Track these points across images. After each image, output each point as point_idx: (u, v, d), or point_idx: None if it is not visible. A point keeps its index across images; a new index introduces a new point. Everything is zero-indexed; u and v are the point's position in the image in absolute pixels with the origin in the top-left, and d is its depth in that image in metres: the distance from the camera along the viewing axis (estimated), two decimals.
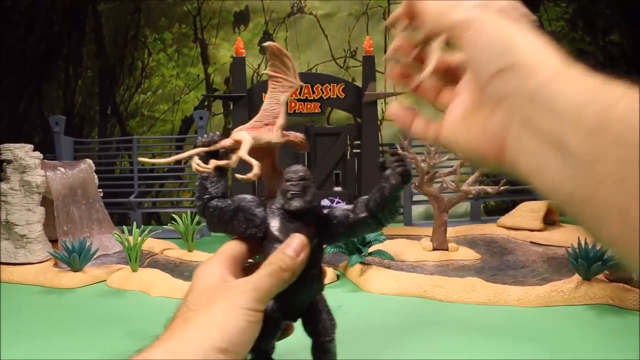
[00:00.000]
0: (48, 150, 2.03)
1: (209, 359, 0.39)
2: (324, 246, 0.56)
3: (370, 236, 1.50)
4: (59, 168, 1.74)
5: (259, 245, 0.53)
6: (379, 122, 2.33)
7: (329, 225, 0.54)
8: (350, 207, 0.56)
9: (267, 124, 0.62)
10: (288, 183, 0.54)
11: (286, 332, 0.55)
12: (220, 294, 0.43)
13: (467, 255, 1.64)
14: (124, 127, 2.54)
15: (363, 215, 0.54)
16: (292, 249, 0.48)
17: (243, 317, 0.42)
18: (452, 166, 1.74)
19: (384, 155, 0.58)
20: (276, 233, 0.52)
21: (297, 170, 0.55)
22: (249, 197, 0.58)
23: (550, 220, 1.98)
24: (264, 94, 2.18)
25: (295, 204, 0.52)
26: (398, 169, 0.52)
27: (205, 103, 2.53)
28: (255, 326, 0.43)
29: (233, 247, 0.52)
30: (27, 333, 1.09)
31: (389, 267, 1.48)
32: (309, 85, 2.17)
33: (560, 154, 0.27)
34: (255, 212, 0.55)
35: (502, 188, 1.61)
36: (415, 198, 2.22)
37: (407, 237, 1.87)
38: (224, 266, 0.48)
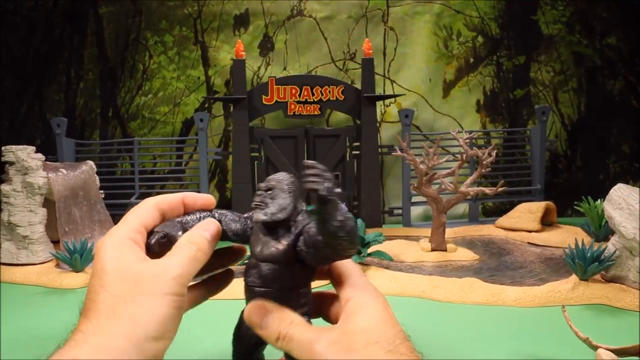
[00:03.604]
0: (50, 152, 2.04)
1: (143, 349, 0.38)
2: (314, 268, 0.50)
3: (369, 237, 1.52)
4: (60, 169, 1.75)
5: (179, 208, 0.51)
6: (378, 124, 2.34)
7: (300, 243, 0.47)
8: None
9: None
10: (256, 192, 0.51)
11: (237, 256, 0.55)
12: (146, 281, 0.41)
13: (465, 256, 1.65)
14: (125, 129, 2.55)
15: (318, 237, 0.45)
16: (203, 228, 0.48)
17: (171, 304, 0.41)
18: (450, 167, 1.76)
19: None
20: (251, 244, 0.50)
21: (270, 179, 0.51)
22: (229, 214, 0.55)
23: (547, 221, 1.99)
24: (264, 96, 2.20)
25: (255, 215, 0.49)
26: (307, 186, 0.42)
27: (206, 105, 2.54)
28: (181, 312, 0.43)
29: (144, 214, 0.49)
30: (28, 333, 1.10)
31: (387, 268, 1.49)
32: (309, 87, 2.18)
33: None
34: (231, 227, 0.53)
35: (500, 189, 1.63)
36: (413, 199, 2.23)
37: (406, 238, 1.89)
38: (136, 240, 0.46)
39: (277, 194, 0.49)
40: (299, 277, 0.49)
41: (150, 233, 0.50)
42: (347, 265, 0.49)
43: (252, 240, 0.50)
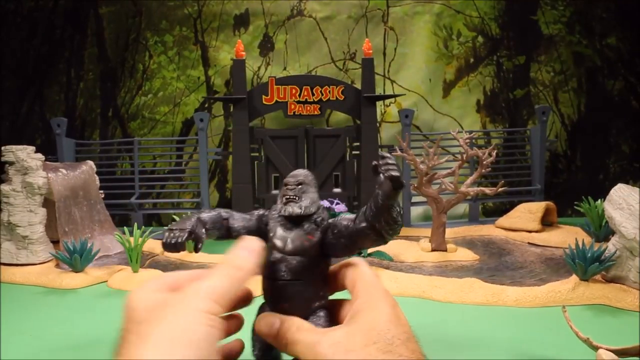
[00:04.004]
0: (50, 152, 2.05)
1: None
2: (330, 260, 0.52)
3: None
4: (60, 169, 1.75)
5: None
6: (378, 124, 2.34)
7: (329, 235, 0.50)
8: (353, 216, 0.51)
9: None
10: (285, 187, 0.51)
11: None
12: (172, 302, 0.39)
13: (465, 256, 1.65)
14: (125, 129, 2.55)
15: (362, 225, 0.48)
16: (244, 247, 0.45)
17: (204, 321, 0.37)
18: (450, 167, 1.76)
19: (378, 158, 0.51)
20: (274, 240, 0.50)
21: (296, 174, 0.52)
22: (236, 214, 0.54)
23: (548, 221, 1.99)
24: (264, 96, 2.20)
25: (289, 209, 0.49)
26: (387, 174, 0.45)
27: (206, 105, 2.54)
28: (217, 332, 0.38)
29: (172, 276, 0.47)
30: (29, 333, 1.10)
31: (388, 268, 1.49)
32: (309, 87, 2.18)
33: None
34: (242, 225, 0.53)
35: (500, 189, 1.62)
36: (413, 199, 2.23)
37: (406, 238, 1.89)
38: (165, 287, 0.43)
39: (308, 189, 0.50)
40: (323, 269, 0.50)
41: (168, 231, 0.49)
42: (360, 267, 0.49)
43: (273, 236, 0.50)
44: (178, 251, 0.49)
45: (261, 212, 0.54)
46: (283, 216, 0.50)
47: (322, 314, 0.50)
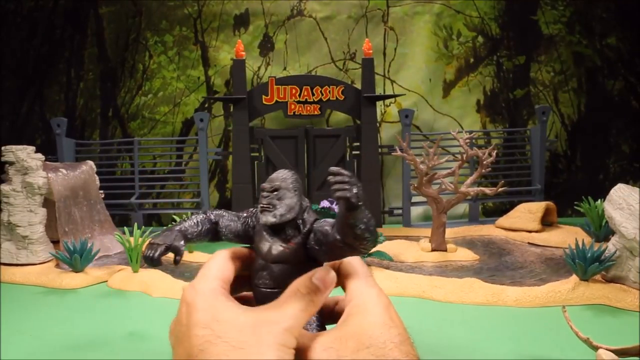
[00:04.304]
0: (50, 152, 2.05)
1: None
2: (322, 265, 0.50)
3: None
4: (60, 169, 1.75)
5: (249, 260, 0.49)
6: (378, 124, 2.34)
7: (311, 240, 0.47)
8: (334, 221, 0.48)
9: None
10: (261, 194, 0.49)
11: None
12: (262, 331, 0.39)
13: (465, 256, 1.65)
14: (125, 129, 2.55)
15: (336, 237, 0.46)
16: (319, 280, 0.43)
17: (283, 355, 0.39)
18: (450, 167, 1.76)
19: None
20: (259, 246, 0.48)
21: (273, 178, 0.49)
22: (225, 214, 0.53)
23: (547, 221, 1.99)
24: (264, 96, 2.20)
25: (264, 218, 0.47)
26: (338, 194, 0.42)
27: (206, 105, 2.54)
28: None
29: (225, 273, 0.47)
30: (29, 333, 1.10)
31: (388, 268, 1.49)
32: (309, 87, 2.18)
33: None
34: (231, 228, 0.52)
35: (500, 189, 1.62)
36: (414, 199, 2.23)
37: (406, 238, 1.89)
38: (222, 293, 0.43)
39: (284, 194, 0.48)
40: (295, 277, 0.47)
41: (149, 245, 0.48)
42: (355, 266, 0.49)
43: (257, 241, 0.49)
44: (155, 266, 0.48)
45: (249, 212, 0.52)
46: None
47: (312, 318, 0.48)
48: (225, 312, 0.41)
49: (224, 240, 0.53)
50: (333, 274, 0.43)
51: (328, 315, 0.50)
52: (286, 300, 0.42)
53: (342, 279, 0.48)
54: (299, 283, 0.43)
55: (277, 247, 0.47)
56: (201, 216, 0.53)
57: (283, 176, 0.49)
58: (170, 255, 0.50)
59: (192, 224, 0.52)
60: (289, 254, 0.47)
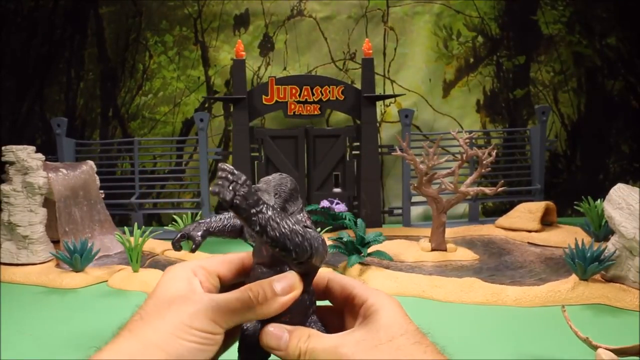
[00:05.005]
0: (50, 152, 2.05)
1: None
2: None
3: (369, 237, 1.52)
4: (60, 169, 1.75)
5: (242, 271, 0.48)
6: (378, 124, 2.34)
7: None
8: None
9: None
10: None
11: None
12: (176, 306, 0.38)
13: (465, 255, 1.66)
14: (125, 129, 2.55)
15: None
16: (280, 285, 0.42)
17: (192, 339, 0.37)
18: (450, 167, 1.76)
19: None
20: (254, 250, 0.48)
21: (261, 180, 0.48)
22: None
23: (547, 221, 1.99)
24: (264, 96, 2.20)
25: (234, 220, 0.48)
26: (210, 188, 0.38)
27: (206, 105, 2.54)
28: (208, 348, 0.38)
29: (211, 262, 0.46)
30: (29, 333, 1.10)
31: (387, 268, 1.49)
32: (309, 87, 2.18)
33: None
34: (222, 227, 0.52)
35: (500, 189, 1.63)
36: (413, 199, 2.23)
37: (406, 237, 1.89)
38: (195, 272, 0.43)
39: (262, 195, 0.47)
40: (312, 276, 0.46)
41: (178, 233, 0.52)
42: (346, 278, 0.49)
43: (254, 245, 0.48)
44: (177, 250, 0.51)
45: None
46: None
47: (315, 318, 0.48)
48: (166, 282, 0.41)
49: (250, 241, 0.53)
50: (295, 282, 0.42)
51: (321, 294, 0.49)
52: (234, 291, 0.41)
53: (335, 291, 0.48)
54: (258, 282, 0.42)
55: (258, 249, 0.47)
56: (229, 214, 0.52)
57: (268, 178, 0.48)
58: (172, 255, 0.51)
59: (217, 219, 0.52)
60: (265, 256, 0.45)
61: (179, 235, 0.50)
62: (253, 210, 0.38)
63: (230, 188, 0.37)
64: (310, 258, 0.42)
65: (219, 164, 0.39)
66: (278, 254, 0.41)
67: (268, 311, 0.41)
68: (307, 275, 0.47)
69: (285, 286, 0.42)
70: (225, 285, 0.46)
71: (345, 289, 0.47)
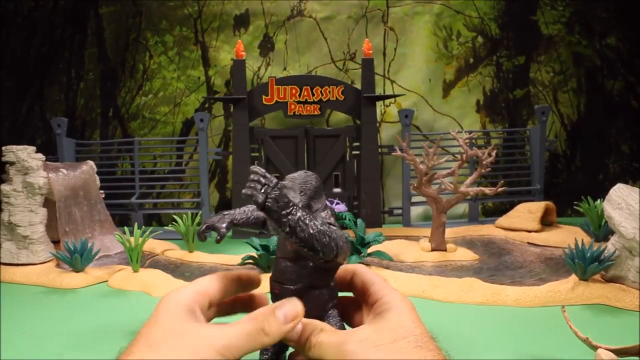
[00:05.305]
0: (50, 152, 2.05)
1: None
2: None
3: (369, 237, 1.52)
4: (61, 169, 1.75)
5: (234, 285, 0.49)
6: (378, 124, 2.34)
7: None
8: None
9: None
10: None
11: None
12: (187, 340, 0.39)
13: (465, 255, 1.66)
14: (126, 129, 2.55)
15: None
16: (283, 313, 0.42)
17: None
18: (450, 167, 1.76)
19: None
20: (278, 243, 0.49)
21: (286, 177, 0.50)
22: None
23: (547, 221, 1.99)
24: (264, 96, 2.20)
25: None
26: (242, 190, 0.40)
27: (206, 105, 2.54)
28: None
29: (209, 282, 0.47)
30: (29, 333, 1.10)
31: (387, 268, 1.49)
32: (309, 87, 2.18)
33: None
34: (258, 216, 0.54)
35: (500, 189, 1.63)
36: (413, 199, 2.24)
37: (406, 237, 1.89)
38: (196, 300, 0.44)
39: (287, 193, 0.48)
40: (317, 275, 0.47)
41: (202, 224, 0.52)
42: (370, 274, 0.49)
43: (277, 239, 0.50)
44: (201, 240, 0.52)
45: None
46: None
47: (335, 312, 0.49)
48: (167, 310, 0.42)
49: (273, 234, 0.53)
50: (299, 309, 0.43)
51: (346, 286, 0.51)
52: (236, 322, 0.42)
53: (357, 284, 0.49)
54: (258, 311, 0.43)
55: (283, 243, 0.48)
56: (252, 206, 0.53)
57: (293, 176, 0.49)
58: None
59: (241, 211, 0.53)
60: (289, 251, 0.47)
61: (204, 227, 0.51)
62: (283, 212, 0.40)
63: (262, 191, 0.39)
64: (335, 257, 0.44)
65: (251, 167, 0.40)
66: (305, 253, 0.43)
67: (273, 341, 0.42)
68: (328, 271, 0.48)
69: (288, 314, 0.42)
70: (219, 302, 0.47)
71: (365, 285, 0.48)
